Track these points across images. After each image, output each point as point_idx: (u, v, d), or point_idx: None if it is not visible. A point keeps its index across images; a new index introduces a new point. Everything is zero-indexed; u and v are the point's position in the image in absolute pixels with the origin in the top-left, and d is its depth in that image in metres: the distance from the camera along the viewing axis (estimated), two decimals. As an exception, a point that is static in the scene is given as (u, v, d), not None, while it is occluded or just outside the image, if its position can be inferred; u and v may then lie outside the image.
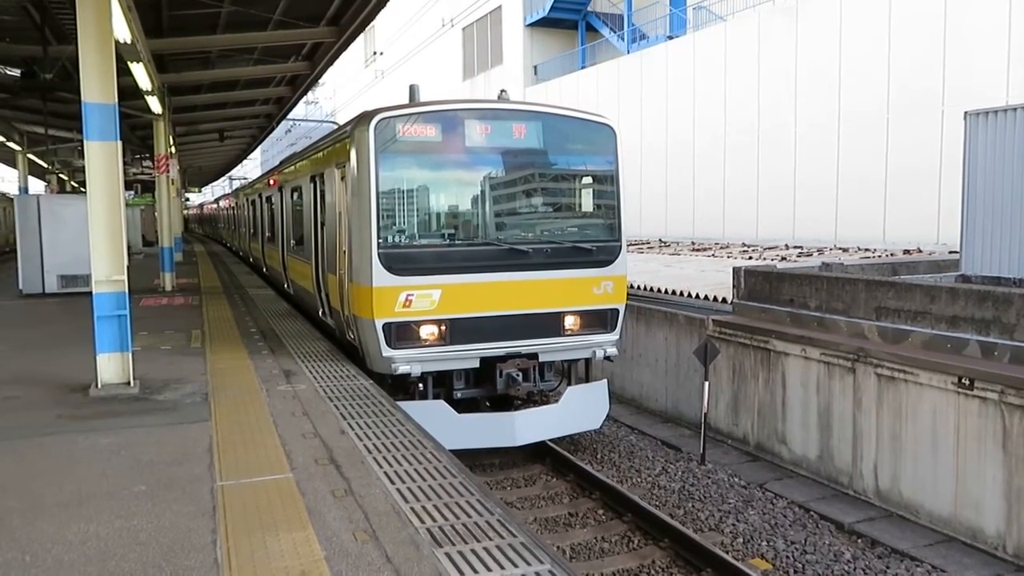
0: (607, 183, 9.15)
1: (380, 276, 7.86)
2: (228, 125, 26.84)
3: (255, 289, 16.19)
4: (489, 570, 3.52)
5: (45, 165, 27.32)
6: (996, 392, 6.92)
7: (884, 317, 8.58)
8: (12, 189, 38.91)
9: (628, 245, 9.24)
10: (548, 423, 8.85)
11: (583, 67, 32.91)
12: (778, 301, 10.05)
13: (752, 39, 22.50)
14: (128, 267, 7.10)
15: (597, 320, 8.89)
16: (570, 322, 8.71)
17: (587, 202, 9.41)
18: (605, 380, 9.58)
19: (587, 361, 9.28)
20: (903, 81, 17.85)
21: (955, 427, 7.33)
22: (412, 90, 8.80)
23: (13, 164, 29.02)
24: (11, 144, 23.48)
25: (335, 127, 11.21)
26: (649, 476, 8.99)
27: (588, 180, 9.33)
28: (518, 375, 8.46)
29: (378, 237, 7.88)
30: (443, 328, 8.14)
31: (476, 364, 8.42)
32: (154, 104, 15.19)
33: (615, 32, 31.85)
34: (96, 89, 6.67)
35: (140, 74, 12.06)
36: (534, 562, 3.60)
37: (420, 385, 8.30)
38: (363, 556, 3.62)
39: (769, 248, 19.75)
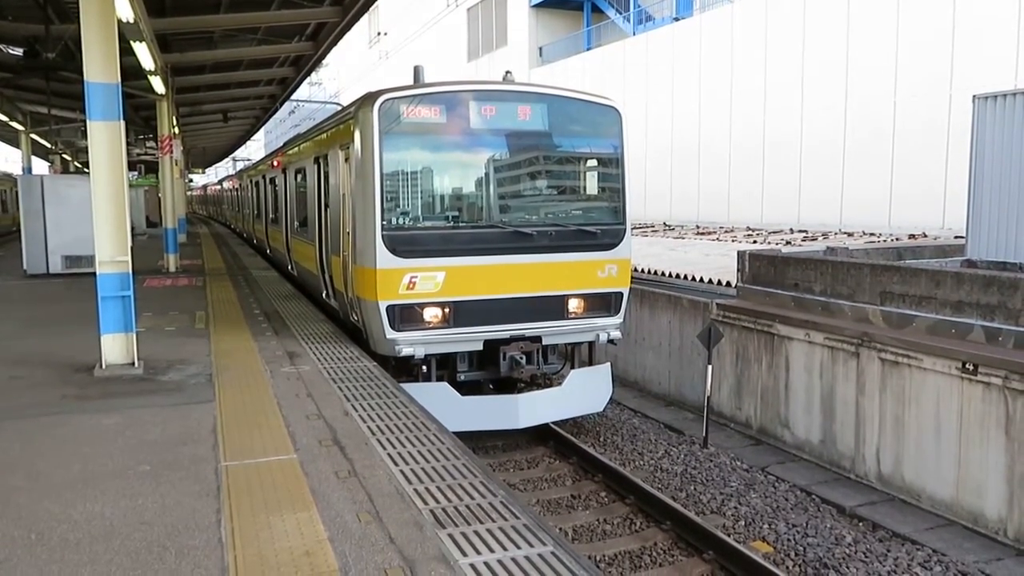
0: (612, 166, 9.10)
1: (384, 258, 7.85)
2: (232, 106, 26.71)
3: (259, 271, 16.20)
4: (492, 551, 3.54)
5: (49, 145, 27.28)
6: (1000, 377, 6.91)
7: (889, 302, 8.56)
8: (16, 169, 38.90)
9: (633, 228, 9.21)
10: (551, 406, 8.87)
11: (588, 49, 32.69)
12: (782, 285, 10.03)
13: (759, 20, 22.32)
14: (132, 248, 7.09)
15: (601, 303, 8.87)
16: (574, 305, 8.70)
17: (592, 185, 9.36)
18: (608, 363, 9.59)
19: (591, 344, 9.28)
20: (911, 64, 17.71)
21: (958, 412, 7.33)
22: (417, 71, 8.75)
23: (17, 144, 28.94)
24: (14, 124, 23.41)
25: (339, 108, 11.16)
26: (652, 459, 9.01)
27: (593, 162, 9.28)
28: (522, 358, 8.46)
29: (382, 219, 7.86)
30: (447, 310, 8.14)
31: (480, 347, 8.43)
32: (157, 84, 15.13)
33: (621, 13, 31.59)
34: (99, 69, 6.64)
35: (143, 54, 11.99)
36: (536, 544, 3.62)
37: (424, 367, 8.32)
38: (367, 537, 3.64)
39: (774, 232, 19.69)
